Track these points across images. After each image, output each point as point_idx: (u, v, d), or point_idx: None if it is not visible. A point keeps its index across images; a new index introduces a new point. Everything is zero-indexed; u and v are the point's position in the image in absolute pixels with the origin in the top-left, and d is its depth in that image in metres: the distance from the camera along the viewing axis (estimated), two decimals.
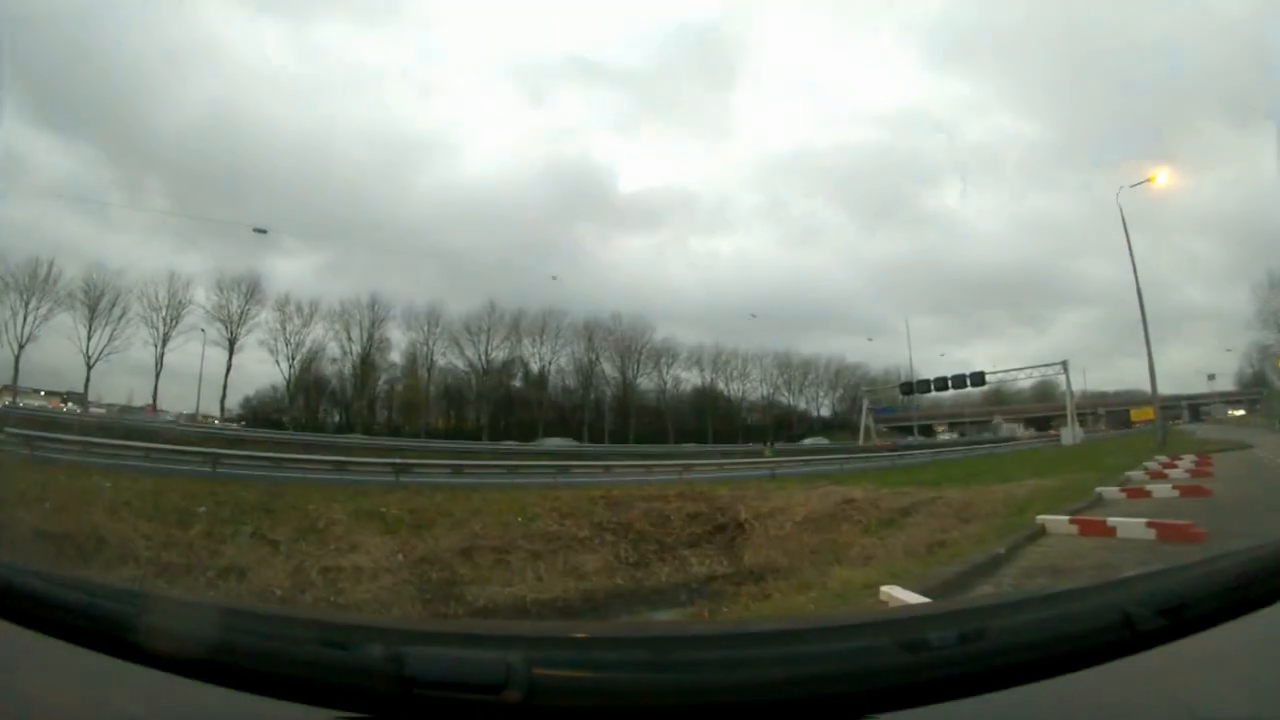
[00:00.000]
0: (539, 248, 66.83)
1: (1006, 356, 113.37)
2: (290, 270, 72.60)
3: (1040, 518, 9.37)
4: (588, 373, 58.20)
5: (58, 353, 45.74)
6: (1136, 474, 16.44)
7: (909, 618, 1.92)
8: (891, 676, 1.12)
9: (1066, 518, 9.24)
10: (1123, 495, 12.36)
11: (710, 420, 57.77)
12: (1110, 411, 63.20)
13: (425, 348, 55.64)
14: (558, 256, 71.45)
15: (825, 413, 66.53)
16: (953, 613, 1.71)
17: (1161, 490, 12.34)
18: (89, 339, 46.38)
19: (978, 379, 49.72)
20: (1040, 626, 1.27)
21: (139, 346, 47.85)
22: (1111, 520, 8.57)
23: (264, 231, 43.73)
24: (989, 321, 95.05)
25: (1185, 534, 7.47)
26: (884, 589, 5.83)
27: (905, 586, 5.82)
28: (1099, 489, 12.83)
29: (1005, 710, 1.07)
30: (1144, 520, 8.13)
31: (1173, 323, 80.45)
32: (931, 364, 69.69)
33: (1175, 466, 17.42)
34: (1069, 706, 1.09)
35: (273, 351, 51.54)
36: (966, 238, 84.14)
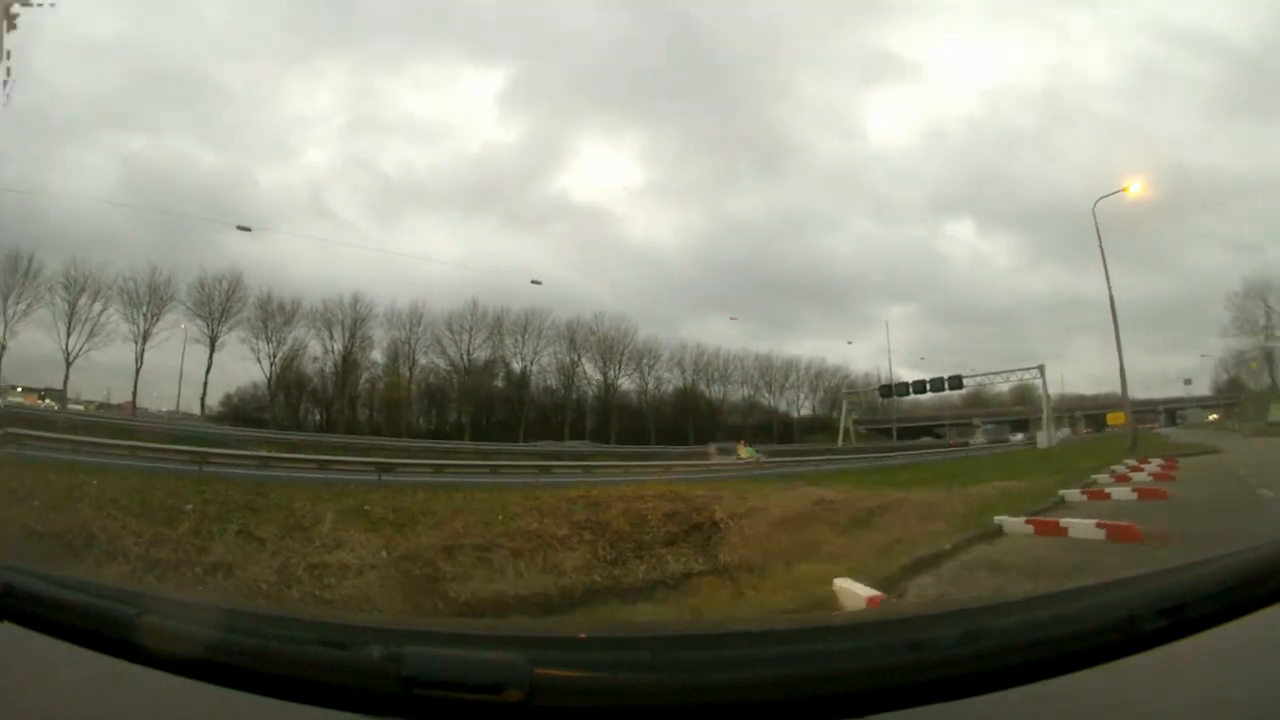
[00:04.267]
0: None
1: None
2: None
3: (998, 518, 9.83)
4: (569, 373, 58.46)
5: (36, 349, 45.42)
6: (1103, 477, 16.93)
7: (909, 617, 1.93)
8: (892, 676, 1.13)
9: (1023, 519, 9.70)
10: (1084, 497, 12.81)
11: (692, 421, 58.07)
12: (1088, 414, 64.27)
13: (407, 346, 55.75)
14: None
15: (806, 413, 67.19)
16: (953, 613, 1.71)
17: (1121, 493, 12.78)
18: (68, 335, 46.10)
19: (955, 382, 50.58)
20: (1041, 626, 1.28)
21: (119, 343, 47.63)
22: (1064, 521, 9.07)
23: (248, 229, 43.65)
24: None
25: (1129, 534, 8.00)
26: (837, 581, 6.21)
27: (858, 579, 6.21)
28: (1062, 491, 13.30)
29: (1006, 710, 1.07)
30: (1094, 521, 8.62)
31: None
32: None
33: (1141, 470, 17.92)
34: (1069, 706, 1.10)
35: (254, 349, 51.52)
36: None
